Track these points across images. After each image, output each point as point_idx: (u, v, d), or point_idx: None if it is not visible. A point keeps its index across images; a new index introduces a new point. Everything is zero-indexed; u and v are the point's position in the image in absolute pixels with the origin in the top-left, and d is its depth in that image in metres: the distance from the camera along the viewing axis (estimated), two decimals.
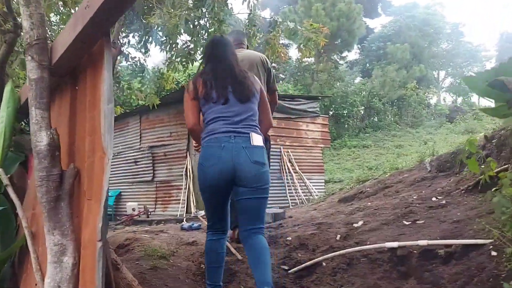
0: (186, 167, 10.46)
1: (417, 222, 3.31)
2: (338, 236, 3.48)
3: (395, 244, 2.81)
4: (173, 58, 7.07)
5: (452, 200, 3.77)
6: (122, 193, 12.40)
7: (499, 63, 2.39)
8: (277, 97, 3.74)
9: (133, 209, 10.87)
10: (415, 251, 2.75)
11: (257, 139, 2.40)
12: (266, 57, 3.70)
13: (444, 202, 3.79)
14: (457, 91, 39.82)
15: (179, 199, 10.45)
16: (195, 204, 10.04)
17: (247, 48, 3.88)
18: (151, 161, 11.47)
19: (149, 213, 10.64)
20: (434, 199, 4.11)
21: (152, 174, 11.43)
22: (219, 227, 2.52)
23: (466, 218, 3.01)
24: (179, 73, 14.67)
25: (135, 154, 12.13)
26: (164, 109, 11.27)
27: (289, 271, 3.07)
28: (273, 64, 29.65)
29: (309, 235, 3.63)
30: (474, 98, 29.43)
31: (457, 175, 4.70)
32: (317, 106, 12.34)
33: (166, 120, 11.29)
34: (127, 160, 12.41)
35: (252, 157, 2.33)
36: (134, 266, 2.99)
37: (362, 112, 25.63)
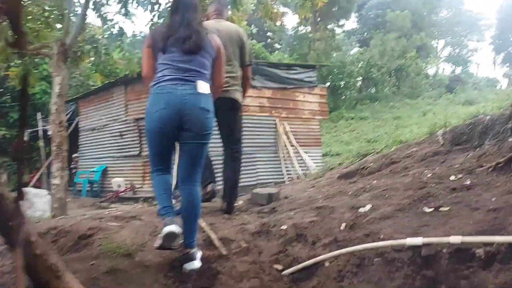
0: None
1: (441, 209, 2.69)
2: (343, 224, 2.86)
3: (418, 240, 2.20)
4: (156, 19, 6.36)
5: (478, 181, 3.15)
6: (108, 168, 11.77)
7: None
8: (250, 72, 3.75)
9: (119, 186, 10.27)
10: (444, 250, 2.14)
11: (203, 87, 2.47)
12: (243, 31, 3.73)
13: (468, 182, 3.17)
14: (456, 61, 38.97)
15: None
16: None
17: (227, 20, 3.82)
18: (137, 135, 10.79)
19: (135, 189, 10.05)
20: (452, 177, 3.49)
21: (139, 148, 10.77)
22: (164, 168, 2.60)
23: (505, 205, 2.40)
24: None
25: (120, 127, 11.43)
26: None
27: (283, 273, 2.47)
28: (268, 33, 28.67)
29: (308, 223, 3.01)
30: (473, 68, 28.72)
31: (477, 149, 4.08)
32: (315, 75, 11.61)
33: None
34: (112, 133, 11.73)
35: (198, 104, 2.43)
36: (88, 268, 2.38)
37: (360, 83, 24.90)
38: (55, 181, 5.36)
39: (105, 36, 6.77)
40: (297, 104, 11.14)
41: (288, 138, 10.66)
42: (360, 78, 24.60)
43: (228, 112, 3.59)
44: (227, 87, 3.33)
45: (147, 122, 2.54)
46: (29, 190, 7.14)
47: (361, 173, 5.61)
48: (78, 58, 6.52)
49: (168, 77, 2.46)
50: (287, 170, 10.32)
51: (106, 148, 11.94)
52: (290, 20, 56.20)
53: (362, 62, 24.10)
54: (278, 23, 6.80)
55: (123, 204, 9.46)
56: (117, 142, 11.43)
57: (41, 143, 13.03)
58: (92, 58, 7.07)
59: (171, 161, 2.66)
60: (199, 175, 2.61)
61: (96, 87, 12.61)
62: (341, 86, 22.84)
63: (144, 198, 9.23)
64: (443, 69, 37.46)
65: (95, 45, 6.48)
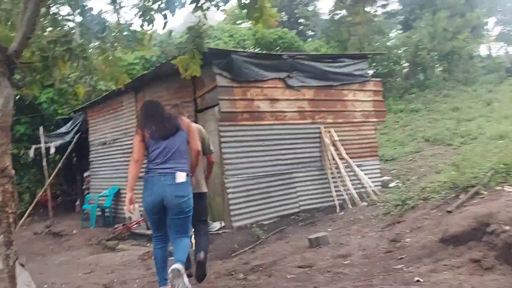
0: None
1: None
2: None
3: None
4: (148, 3, 4.38)
5: None
6: (122, 191, 9.91)
7: None
8: (214, 157, 4.65)
9: (129, 218, 8.35)
10: None
11: (180, 177, 3.33)
12: (201, 127, 4.65)
13: None
14: (508, 40, 35.12)
15: None
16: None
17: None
18: None
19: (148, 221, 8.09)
20: None
21: None
22: (162, 236, 3.52)
23: None
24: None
25: (132, 142, 9.49)
26: (162, 83, 8.53)
27: None
28: (300, 20, 26.19)
29: None
30: None
31: None
32: (366, 67, 9.26)
33: (166, 96, 8.52)
34: (123, 149, 9.82)
35: (175, 193, 3.31)
36: None
37: (407, 70, 22.14)
38: None
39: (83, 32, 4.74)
40: (346, 105, 8.86)
41: (336, 149, 8.42)
42: (407, 64, 21.83)
43: (198, 201, 3.88)
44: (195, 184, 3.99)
45: (143, 202, 3.54)
46: None
47: (491, 243, 3.36)
48: (46, 67, 4.56)
49: (154, 169, 3.48)
50: (337, 192, 8.09)
51: (118, 167, 10.09)
52: (325, 4, 52.65)
53: (407, 46, 21.30)
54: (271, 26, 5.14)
55: (134, 245, 7.53)
56: (130, 161, 9.52)
57: (44, 162, 11.35)
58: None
59: (166, 231, 3.50)
60: (187, 232, 3.54)
61: (104, 94, 10.73)
62: (386, 74, 20.15)
63: None
64: (497, 50, 33.74)
65: (68, 47, 4.48)
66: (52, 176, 11.43)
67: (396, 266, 3.57)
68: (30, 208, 10.95)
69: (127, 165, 9.61)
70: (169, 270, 3.19)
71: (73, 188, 13.67)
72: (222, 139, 7.23)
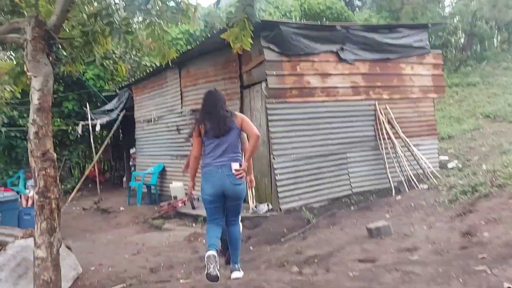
0: None
1: None
2: None
3: None
4: None
5: None
6: (167, 169, 9.80)
7: None
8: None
9: (175, 196, 8.21)
10: None
11: (235, 167, 3.56)
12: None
13: None
14: None
15: None
16: (253, 194, 7.09)
17: None
18: None
19: (195, 199, 7.94)
20: None
21: None
22: (217, 220, 3.70)
23: None
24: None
25: (176, 119, 9.32)
26: (207, 58, 8.19)
27: None
28: None
29: None
30: None
31: None
32: (426, 38, 8.45)
33: (211, 72, 8.20)
34: (168, 127, 9.66)
35: (233, 182, 3.55)
36: None
37: (463, 41, 20.63)
38: (39, 252, 3.25)
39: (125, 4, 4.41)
40: (403, 80, 8.17)
41: (392, 127, 7.82)
42: (463, 34, 20.30)
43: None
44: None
45: (202, 193, 3.67)
46: None
47: None
48: (87, 42, 4.30)
49: (212, 163, 3.60)
50: (392, 173, 7.54)
51: (163, 145, 9.97)
52: None
53: (464, 16, 19.72)
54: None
55: (180, 225, 7.39)
56: (174, 138, 9.37)
57: (91, 139, 11.44)
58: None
59: (222, 217, 3.75)
60: (240, 214, 3.92)
61: (148, 70, 10.54)
62: (440, 45, 18.81)
63: (205, 217, 7.10)
64: None
65: (109, 20, 4.18)
66: (100, 152, 11.54)
67: (478, 268, 3.09)
68: (80, 183, 11.15)
69: (172, 143, 9.50)
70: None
71: (121, 164, 13.82)
72: (270, 117, 6.82)
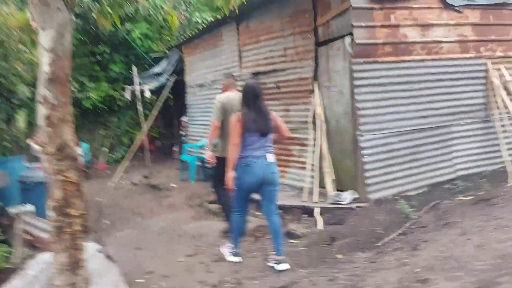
0: (314, 106, 6.06)
1: None
2: None
3: None
4: None
5: None
6: None
7: None
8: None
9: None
10: None
11: (270, 157, 3.92)
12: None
13: None
14: None
15: (304, 162, 6.28)
16: (333, 178, 5.74)
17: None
18: None
19: None
20: None
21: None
22: (245, 209, 4.17)
23: None
24: None
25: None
26: (272, 9, 6.73)
27: None
28: None
29: None
30: None
31: None
32: None
33: (277, 27, 6.74)
34: None
35: (270, 170, 3.91)
36: None
37: None
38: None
39: None
40: None
41: (509, 93, 6.10)
42: None
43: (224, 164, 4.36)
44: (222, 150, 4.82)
45: (240, 183, 3.93)
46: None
47: None
48: None
49: (252, 154, 3.86)
50: (509, 150, 5.91)
51: None
52: None
53: None
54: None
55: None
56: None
57: (139, 106, 10.44)
58: None
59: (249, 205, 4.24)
60: (277, 209, 4.11)
61: (201, 27, 9.20)
62: None
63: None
64: None
65: None
66: (149, 121, 10.56)
67: None
68: (131, 154, 10.28)
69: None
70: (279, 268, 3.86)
71: (171, 132, 12.88)
72: (356, 82, 5.35)
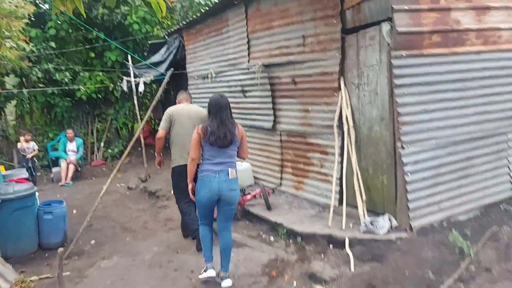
0: (340, 108, 4.96)
1: None
2: None
3: None
4: None
5: None
6: None
7: None
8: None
9: (243, 190, 5.97)
10: None
11: (232, 173, 3.75)
12: (202, 110, 4.95)
13: None
14: None
15: (326, 174, 5.23)
16: (363, 197, 4.66)
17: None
18: (269, 94, 6.20)
19: (270, 193, 5.73)
20: None
21: (272, 118, 6.24)
22: (209, 221, 3.95)
23: None
24: None
25: (242, 77, 6.91)
26: None
27: None
28: None
29: None
30: None
31: None
32: None
33: (295, 10, 5.60)
34: (230, 87, 7.31)
35: (230, 187, 3.72)
36: None
37: None
38: None
39: None
40: None
41: None
42: None
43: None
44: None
45: (198, 197, 3.81)
46: None
47: None
48: None
49: (210, 169, 3.71)
50: None
51: None
52: None
53: None
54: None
55: (252, 236, 5.23)
56: (239, 102, 7.00)
57: (135, 100, 9.38)
58: None
59: (212, 218, 3.94)
60: (230, 226, 3.95)
61: (205, 10, 8.05)
62: None
63: (290, 230, 4.87)
64: None
65: None
66: (148, 112, 9.48)
67: None
68: (127, 150, 9.23)
69: (235, 108, 7.14)
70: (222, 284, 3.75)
71: None
72: (396, 81, 4.24)
